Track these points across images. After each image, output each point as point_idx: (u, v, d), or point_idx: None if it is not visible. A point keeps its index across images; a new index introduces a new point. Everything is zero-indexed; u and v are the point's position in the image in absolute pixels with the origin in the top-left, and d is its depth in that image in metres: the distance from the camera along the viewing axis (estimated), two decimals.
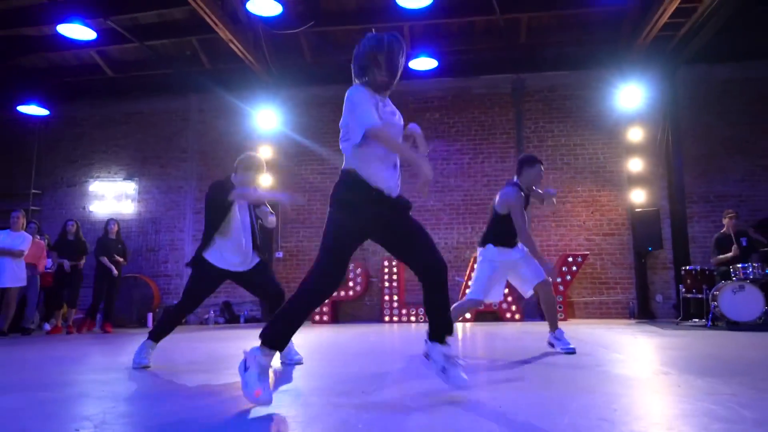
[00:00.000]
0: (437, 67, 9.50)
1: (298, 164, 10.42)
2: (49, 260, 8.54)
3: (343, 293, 9.26)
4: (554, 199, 4.53)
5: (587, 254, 9.07)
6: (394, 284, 9.18)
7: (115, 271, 8.15)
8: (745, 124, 9.35)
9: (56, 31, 8.77)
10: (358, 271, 9.38)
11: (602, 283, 9.28)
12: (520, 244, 4.37)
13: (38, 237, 8.31)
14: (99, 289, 8.17)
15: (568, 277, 8.83)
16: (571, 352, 4.08)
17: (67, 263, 8.03)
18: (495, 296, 4.48)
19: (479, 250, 4.45)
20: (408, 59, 9.46)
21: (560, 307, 8.68)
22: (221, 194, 3.92)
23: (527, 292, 4.45)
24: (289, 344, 3.59)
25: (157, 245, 10.49)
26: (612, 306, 9.18)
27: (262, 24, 9.19)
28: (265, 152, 9.94)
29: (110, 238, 8.37)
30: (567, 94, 9.90)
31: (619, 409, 2.18)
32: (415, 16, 9.01)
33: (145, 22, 9.52)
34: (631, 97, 9.20)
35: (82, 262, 8.29)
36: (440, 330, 2.55)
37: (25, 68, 10.72)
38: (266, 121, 10.06)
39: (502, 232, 4.30)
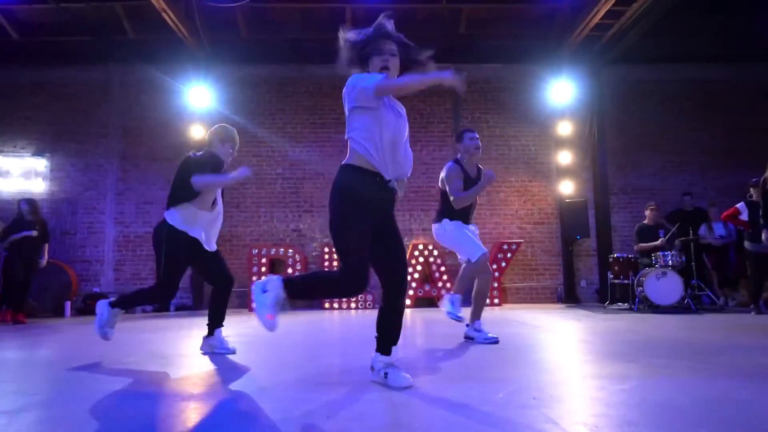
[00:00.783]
0: None
1: None
2: None
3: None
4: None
5: (521, 242, 9.50)
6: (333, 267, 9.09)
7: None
8: (658, 123, 10.15)
9: None
10: (297, 257, 9.21)
11: (532, 270, 9.77)
12: (473, 224, 4.45)
13: None
14: (12, 275, 7.40)
15: (503, 264, 9.20)
16: (494, 341, 4.06)
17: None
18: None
19: (435, 226, 4.43)
20: None
21: (496, 293, 9.06)
22: (217, 168, 3.71)
23: (462, 260, 4.39)
24: (221, 336, 3.89)
25: (73, 228, 9.65)
26: (541, 291, 9.70)
27: None
28: (197, 131, 9.44)
29: (25, 219, 7.55)
30: (502, 86, 10.24)
31: (541, 397, 2.29)
32: None
33: None
34: (561, 92, 9.68)
35: None
36: (390, 343, 2.64)
37: None
38: (198, 98, 9.52)
39: (451, 208, 4.31)
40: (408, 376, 2.55)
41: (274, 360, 3.62)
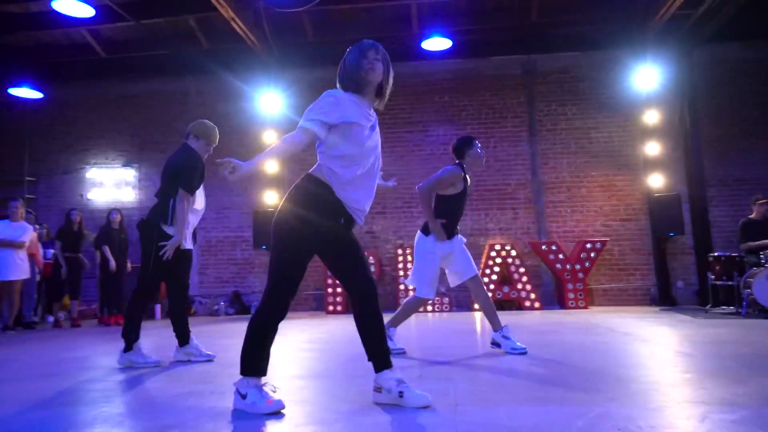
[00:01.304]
0: (448, 47, 9.12)
1: (303, 150, 10.01)
2: (49, 250, 8.14)
3: None
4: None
5: (606, 240, 8.87)
6: (409, 273, 8.89)
7: (113, 264, 7.81)
8: (761, 106, 9.15)
9: (47, 7, 8.25)
10: (371, 259, 9.10)
11: (621, 270, 9.09)
12: (459, 235, 4.23)
13: (37, 227, 7.93)
14: (105, 281, 7.85)
15: (587, 264, 8.63)
16: (523, 352, 3.84)
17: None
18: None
19: (420, 235, 4.29)
20: (420, 39, 9.10)
21: (581, 295, 8.52)
22: (201, 164, 4.01)
23: (454, 283, 4.28)
24: (195, 342, 3.95)
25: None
26: (632, 293, 9.01)
27: (262, 2, 8.75)
28: (269, 137, 9.57)
29: (113, 228, 7.98)
30: (580, 75, 9.62)
31: (628, 427, 1.94)
32: None
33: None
34: (646, 78, 8.91)
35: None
36: (386, 354, 2.46)
37: (11, 47, 10.15)
38: (270, 104, 9.65)
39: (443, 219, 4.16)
40: (426, 394, 2.37)
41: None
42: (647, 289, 8.97)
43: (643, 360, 3.60)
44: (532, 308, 8.56)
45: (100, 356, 4.50)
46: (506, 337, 3.98)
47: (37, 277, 7.95)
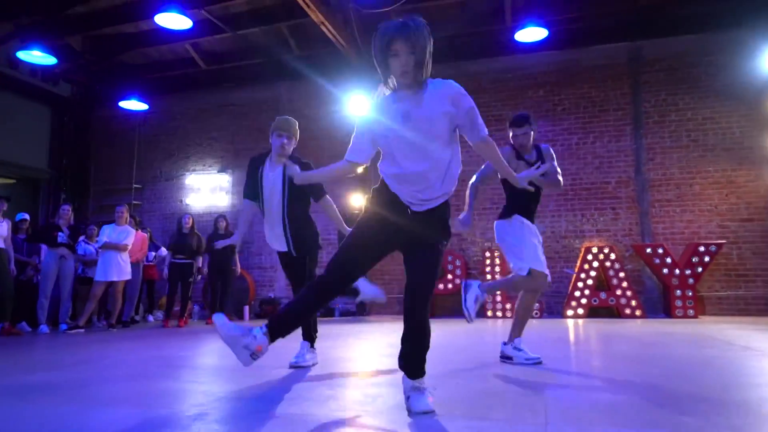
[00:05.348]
0: (544, 38, 8.62)
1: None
2: (151, 253, 8.64)
3: (441, 286, 8.69)
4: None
5: (722, 243, 7.95)
6: (497, 276, 8.50)
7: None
8: None
9: (154, 25, 8.80)
10: (457, 262, 8.80)
11: (739, 276, 8.11)
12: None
13: (148, 229, 8.48)
14: (213, 283, 8.40)
15: (699, 269, 7.78)
16: (537, 362, 3.55)
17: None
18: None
19: (500, 222, 3.87)
20: (513, 32, 8.67)
21: (690, 303, 7.70)
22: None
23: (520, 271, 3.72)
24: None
25: (250, 237, 10.43)
26: (752, 301, 8.00)
27: (352, 4, 8.77)
28: None
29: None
30: (695, 60, 8.71)
31: None
32: None
33: (236, 11, 9.38)
34: None
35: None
36: (411, 366, 2.35)
37: (125, 65, 10.97)
38: (358, 105, 9.64)
39: (516, 203, 3.80)
40: (430, 401, 2.26)
41: None
42: None
43: (763, 380, 3.06)
44: (633, 316, 7.85)
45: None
46: (518, 349, 3.66)
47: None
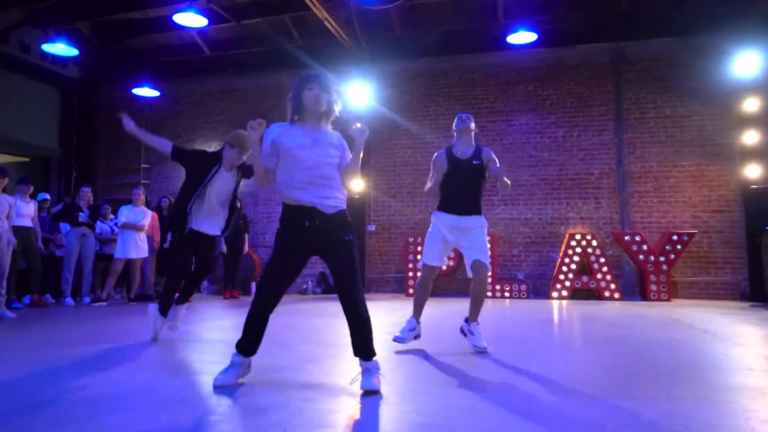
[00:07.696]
0: (533, 40, 9.16)
1: (389, 139, 10.49)
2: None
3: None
4: (506, 180, 4.00)
5: (694, 232, 8.66)
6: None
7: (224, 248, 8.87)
8: None
9: (165, 12, 9.23)
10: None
11: (710, 263, 8.85)
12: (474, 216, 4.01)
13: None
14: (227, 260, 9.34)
15: (672, 256, 8.49)
16: (483, 350, 3.74)
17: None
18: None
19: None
20: (505, 31, 9.20)
21: (664, 287, 8.42)
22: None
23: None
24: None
25: (255, 218, 10.98)
26: (720, 286, 8.76)
27: (354, 0, 9.20)
28: None
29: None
30: (673, 62, 9.32)
31: None
32: None
33: (240, 2, 9.77)
34: (747, 64, 8.52)
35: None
36: (359, 348, 2.77)
37: (132, 49, 11.33)
38: (358, 96, 10.13)
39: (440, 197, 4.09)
40: (377, 381, 2.63)
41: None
42: (737, 284, 8.67)
43: (717, 362, 3.55)
44: (611, 299, 8.57)
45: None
46: (473, 332, 3.89)
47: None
